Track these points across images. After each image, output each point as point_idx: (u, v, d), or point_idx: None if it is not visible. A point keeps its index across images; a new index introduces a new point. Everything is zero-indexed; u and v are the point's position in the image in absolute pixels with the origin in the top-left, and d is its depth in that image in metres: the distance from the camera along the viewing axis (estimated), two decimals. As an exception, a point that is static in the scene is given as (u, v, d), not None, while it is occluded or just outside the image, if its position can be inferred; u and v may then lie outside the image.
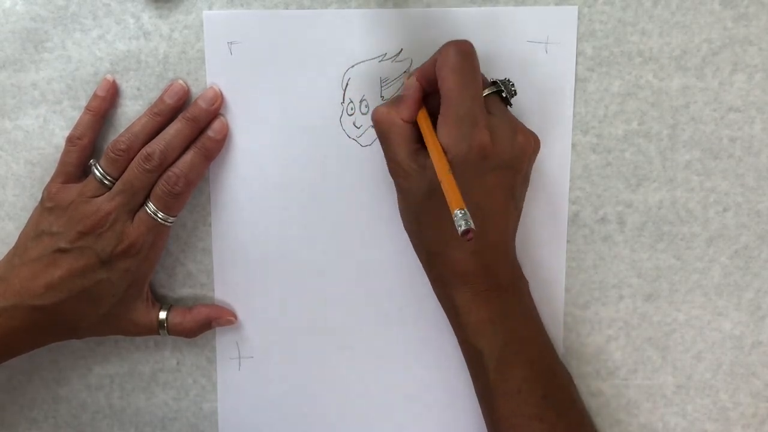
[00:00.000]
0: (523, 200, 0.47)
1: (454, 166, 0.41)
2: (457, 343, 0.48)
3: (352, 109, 0.49)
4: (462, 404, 0.51)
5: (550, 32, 0.48)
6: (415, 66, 0.48)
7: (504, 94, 0.45)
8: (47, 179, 0.48)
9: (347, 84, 0.49)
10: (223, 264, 0.51)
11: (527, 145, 0.44)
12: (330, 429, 0.52)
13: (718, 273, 0.50)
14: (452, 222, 0.38)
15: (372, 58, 0.48)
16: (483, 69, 0.48)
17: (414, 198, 0.44)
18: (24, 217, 0.49)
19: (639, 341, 0.51)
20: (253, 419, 0.52)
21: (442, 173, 0.40)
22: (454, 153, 0.42)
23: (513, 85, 0.46)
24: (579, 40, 0.48)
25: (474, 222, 0.38)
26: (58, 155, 0.49)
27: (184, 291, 0.51)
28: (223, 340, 0.52)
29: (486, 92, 0.45)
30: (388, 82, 0.49)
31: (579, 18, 0.48)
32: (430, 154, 0.42)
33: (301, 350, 0.51)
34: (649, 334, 0.51)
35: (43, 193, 0.47)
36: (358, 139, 0.49)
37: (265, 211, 0.50)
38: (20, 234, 0.48)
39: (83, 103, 0.49)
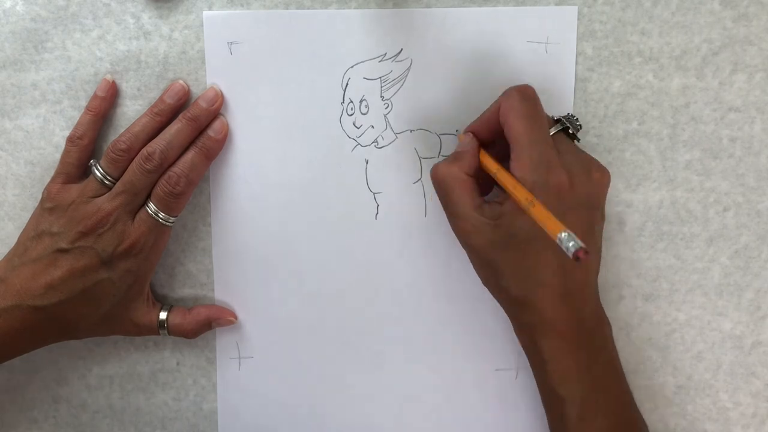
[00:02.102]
0: (602, 237, 0.46)
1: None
2: (456, 342, 0.48)
3: (352, 109, 0.49)
4: (461, 404, 0.51)
5: (550, 32, 0.48)
6: (414, 66, 0.48)
7: (570, 131, 0.44)
8: (47, 179, 0.48)
9: (347, 84, 0.49)
10: (223, 264, 0.51)
11: (603, 181, 0.44)
12: (330, 429, 0.52)
13: (718, 273, 0.50)
14: (537, 267, 0.38)
15: (372, 58, 0.48)
16: (482, 70, 0.48)
17: (489, 252, 0.43)
18: (24, 217, 0.49)
19: (639, 341, 0.51)
20: (253, 419, 0.52)
21: (528, 203, 0.39)
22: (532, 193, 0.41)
23: (577, 120, 0.45)
24: (579, 40, 0.48)
25: (562, 259, 0.37)
26: (58, 155, 0.49)
27: (184, 291, 0.51)
28: (223, 340, 0.52)
29: (552, 131, 0.44)
30: (388, 82, 0.49)
31: (579, 18, 0.48)
32: (507, 189, 0.41)
33: (301, 350, 0.51)
34: (649, 334, 0.51)
35: (43, 193, 0.47)
36: (358, 139, 0.49)
37: (265, 211, 0.50)
38: (20, 234, 0.48)
39: (83, 103, 0.49)
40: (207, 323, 0.50)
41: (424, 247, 0.50)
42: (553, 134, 0.44)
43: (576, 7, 0.48)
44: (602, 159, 0.49)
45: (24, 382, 0.52)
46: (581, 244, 0.34)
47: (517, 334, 0.46)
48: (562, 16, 0.48)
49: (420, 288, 0.50)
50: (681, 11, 0.48)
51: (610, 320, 0.51)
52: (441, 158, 0.49)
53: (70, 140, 0.48)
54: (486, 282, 0.45)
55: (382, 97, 0.49)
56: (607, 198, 0.49)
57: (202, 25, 0.48)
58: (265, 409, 0.52)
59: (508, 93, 0.43)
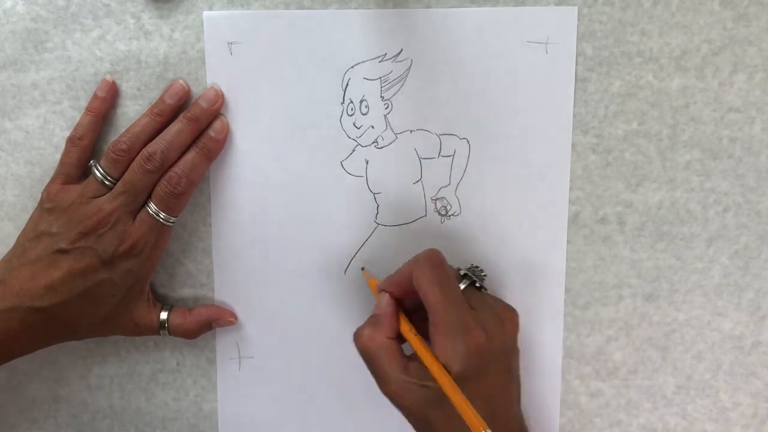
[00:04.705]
0: (519, 368, 0.46)
1: (459, 376, 0.41)
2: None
3: (352, 109, 0.49)
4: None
5: (550, 32, 0.48)
6: (414, 66, 0.48)
7: (477, 284, 0.46)
8: (47, 179, 0.48)
9: (347, 84, 0.49)
10: (223, 264, 0.51)
11: (514, 327, 0.45)
12: (330, 429, 0.52)
13: (718, 273, 0.50)
14: (465, 423, 0.39)
15: (372, 58, 0.48)
16: (482, 70, 0.48)
17: (421, 410, 0.43)
18: (24, 217, 0.49)
19: (639, 341, 0.51)
20: (253, 419, 0.52)
21: (453, 393, 0.40)
22: (457, 364, 0.42)
23: (481, 270, 0.46)
24: (579, 40, 0.48)
25: (490, 409, 0.40)
26: (58, 155, 0.49)
27: (184, 291, 0.51)
28: (223, 341, 0.52)
29: (462, 287, 0.45)
30: (388, 82, 0.49)
31: (579, 18, 0.48)
32: (432, 374, 0.42)
33: (301, 350, 0.51)
34: (649, 334, 0.51)
35: (42, 193, 0.47)
36: (358, 140, 0.49)
37: (265, 211, 0.50)
38: (19, 235, 0.48)
39: (83, 103, 0.49)
40: (207, 324, 0.50)
41: (424, 247, 0.50)
42: (463, 290, 0.45)
43: (576, 7, 0.48)
44: (602, 159, 0.49)
45: (24, 382, 0.52)
46: None
47: None
48: (562, 16, 0.48)
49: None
50: (681, 11, 0.48)
51: (610, 320, 0.51)
52: (440, 158, 0.49)
53: (71, 141, 0.48)
54: None
55: (382, 97, 0.49)
56: (607, 198, 0.50)
57: (202, 25, 0.48)
58: (265, 409, 0.52)
59: (417, 260, 0.45)
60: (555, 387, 0.52)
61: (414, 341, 0.44)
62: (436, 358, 0.42)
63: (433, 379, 0.42)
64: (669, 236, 0.50)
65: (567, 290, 0.51)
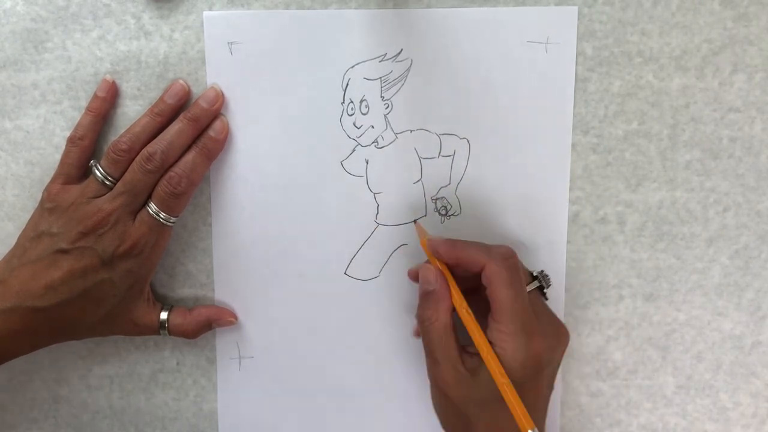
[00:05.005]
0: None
1: (516, 381, 0.41)
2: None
3: (352, 109, 0.49)
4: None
5: (550, 32, 0.48)
6: (414, 66, 0.48)
7: (544, 289, 0.45)
8: (47, 180, 0.48)
9: (347, 84, 0.49)
10: (223, 264, 0.51)
11: (567, 343, 0.45)
12: (330, 429, 0.52)
13: (718, 273, 0.50)
14: (507, 425, 0.40)
15: (372, 58, 0.48)
16: (482, 70, 0.48)
17: (466, 406, 0.43)
18: (24, 217, 0.49)
19: (639, 341, 0.51)
20: (253, 419, 0.52)
21: (506, 391, 0.41)
22: (518, 370, 0.42)
23: (548, 277, 0.46)
24: (579, 40, 0.48)
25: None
26: (58, 155, 0.49)
27: (184, 291, 0.51)
28: (223, 340, 0.52)
29: (529, 289, 0.44)
30: (388, 82, 0.49)
31: (579, 18, 0.48)
32: (490, 370, 0.42)
33: (301, 350, 0.51)
34: (649, 334, 0.51)
35: (43, 194, 0.47)
36: (358, 139, 0.49)
37: (265, 211, 0.50)
38: (19, 235, 0.48)
39: (83, 103, 0.49)
40: (207, 324, 0.50)
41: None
42: (529, 291, 0.44)
43: (576, 7, 0.48)
44: (602, 159, 0.49)
45: (24, 382, 0.52)
46: None
47: None
48: (562, 16, 0.48)
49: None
50: (681, 11, 0.48)
51: (610, 320, 0.51)
52: (440, 158, 0.49)
53: (71, 141, 0.48)
54: (450, 427, 0.45)
55: (382, 97, 0.49)
56: (607, 198, 0.50)
57: (202, 26, 0.48)
58: (265, 409, 0.52)
59: (493, 257, 0.43)
60: (555, 387, 0.52)
61: (474, 336, 0.43)
62: (498, 358, 0.42)
63: (489, 378, 0.42)
64: (669, 236, 0.50)
65: (567, 290, 0.51)
